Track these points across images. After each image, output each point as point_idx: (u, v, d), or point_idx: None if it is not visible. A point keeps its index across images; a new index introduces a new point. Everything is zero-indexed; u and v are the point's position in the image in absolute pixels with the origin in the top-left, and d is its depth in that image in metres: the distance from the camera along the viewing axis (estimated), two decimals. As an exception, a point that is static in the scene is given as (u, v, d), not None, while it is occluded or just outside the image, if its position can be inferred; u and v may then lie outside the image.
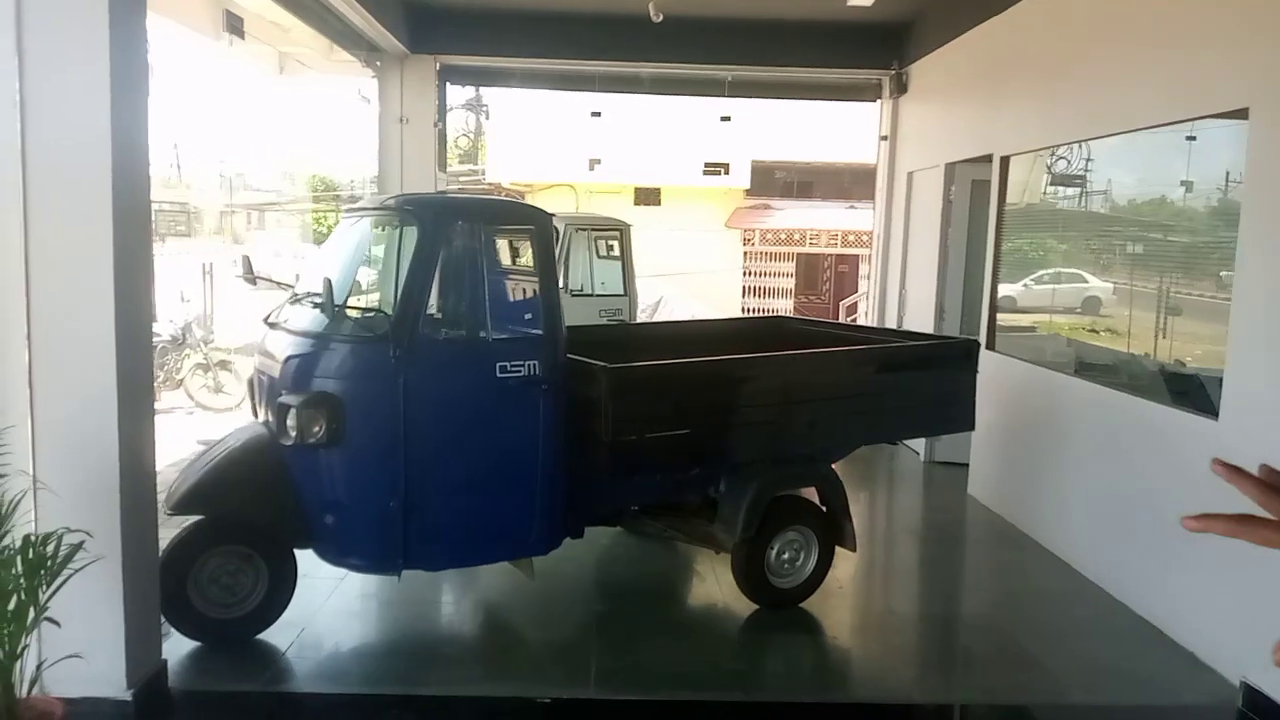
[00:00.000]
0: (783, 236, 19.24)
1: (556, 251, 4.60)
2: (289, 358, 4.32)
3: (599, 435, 4.48)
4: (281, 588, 4.44)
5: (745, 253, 18.95)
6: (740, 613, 5.10)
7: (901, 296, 9.75)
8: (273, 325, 4.74)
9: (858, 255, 19.59)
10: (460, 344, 4.44)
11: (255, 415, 4.85)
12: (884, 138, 10.12)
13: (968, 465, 7.51)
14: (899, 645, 4.85)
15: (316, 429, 4.14)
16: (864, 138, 19.22)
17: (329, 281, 3.92)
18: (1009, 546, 6.39)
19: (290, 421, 4.18)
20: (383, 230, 4.81)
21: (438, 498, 4.33)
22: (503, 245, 5.07)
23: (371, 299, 4.96)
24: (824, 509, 5.23)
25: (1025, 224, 7.34)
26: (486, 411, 4.39)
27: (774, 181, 21.10)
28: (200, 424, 8.96)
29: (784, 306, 19.70)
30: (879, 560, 6.19)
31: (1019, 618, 5.16)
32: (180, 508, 4.27)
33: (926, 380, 5.49)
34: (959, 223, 8.55)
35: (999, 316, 7.38)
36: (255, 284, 5.01)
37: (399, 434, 4.20)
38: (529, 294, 4.68)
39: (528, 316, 4.60)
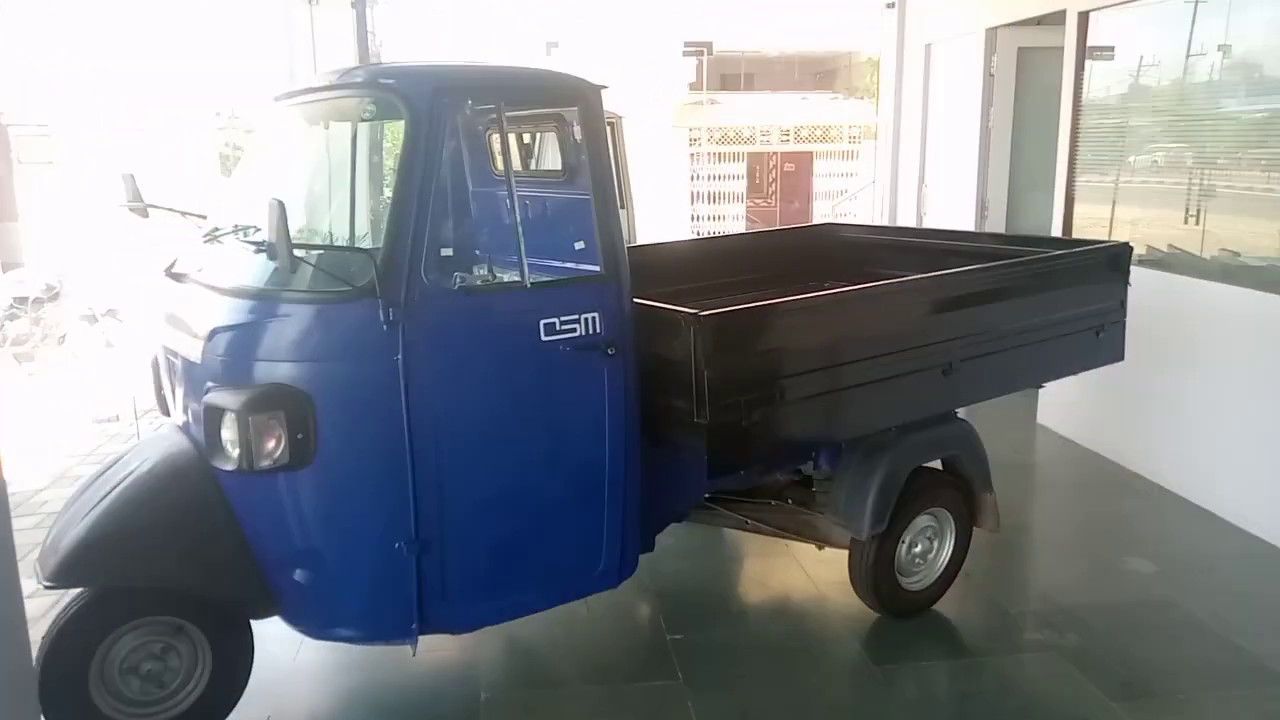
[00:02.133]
0: (731, 135, 17.66)
1: (607, 146, 3.05)
2: (215, 330, 2.74)
3: (688, 416, 3.05)
4: (232, 666, 2.96)
5: (692, 154, 17.35)
6: (859, 623, 3.82)
7: (921, 193, 8.42)
8: (179, 277, 3.13)
9: (811, 152, 18.18)
10: (485, 294, 2.90)
11: (164, 412, 3.26)
12: (890, 4, 8.62)
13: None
14: (1086, 654, 3.62)
15: (271, 445, 2.61)
16: (816, 22, 17.67)
17: (279, 205, 2.33)
18: (1125, 492, 5.24)
19: (228, 436, 2.63)
20: (348, 124, 3.17)
21: (465, 528, 2.88)
22: (536, 138, 3.48)
23: (338, 233, 3.34)
24: (959, 481, 3.94)
25: (1120, 100, 5.99)
26: (529, 393, 2.91)
27: (713, 74, 19.39)
28: (89, 393, 7.18)
29: (734, 213, 18.25)
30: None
31: (1209, 597, 4.00)
32: (60, 578, 2.72)
33: (1073, 300, 4.17)
34: (1003, 101, 7.20)
35: (1078, 210, 6.10)
36: (146, 214, 3.33)
37: (401, 439, 2.71)
38: (577, 211, 3.15)
39: (579, 246, 3.08)
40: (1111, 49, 5.91)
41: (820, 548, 3.95)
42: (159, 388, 3.22)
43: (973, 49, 7.29)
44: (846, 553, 3.78)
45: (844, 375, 3.38)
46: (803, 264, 5.50)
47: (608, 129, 3.04)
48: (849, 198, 14.96)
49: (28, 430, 6.26)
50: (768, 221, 18.58)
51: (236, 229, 2.95)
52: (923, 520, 3.84)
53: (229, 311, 2.75)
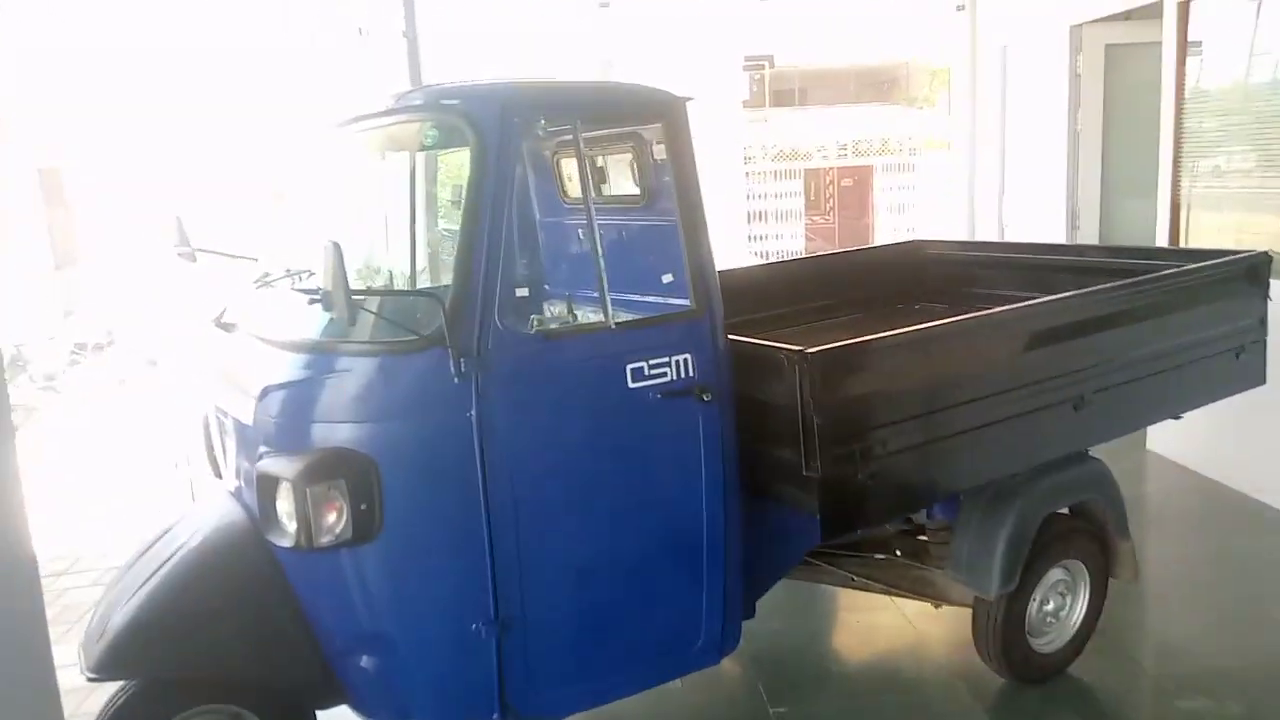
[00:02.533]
0: (787, 151, 17.24)
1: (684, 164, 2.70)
2: (268, 388, 2.45)
3: (794, 469, 2.68)
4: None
5: (746, 172, 16.95)
6: (984, 690, 3.40)
7: (1001, 204, 7.96)
8: (229, 328, 2.85)
9: (870, 166, 17.68)
10: (565, 338, 2.56)
11: (216, 474, 2.98)
12: (961, 7, 8.21)
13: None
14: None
15: (332, 518, 2.30)
16: (873, 32, 17.21)
17: (335, 248, 2.02)
18: (1257, 525, 4.74)
19: (283, 508, 2.33)
20: (409, 151, 2.88)
21: (549, 604, 2.54)
22: (616, 159, 3.16)
23: (399, 275, 3.04)
24: (1094, 527, 3.50)
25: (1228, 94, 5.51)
26: (616, 448, 2.58)
27: (765, 89, 19.02)
28: (150, 437, 7.03)
29: (792, 231, 17.80)
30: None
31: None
32: (105, 669, 2.43)
33: (1211, 318, 3.72)
34: (1091, 102, 6.74)
35: (1191, 217, 5.61)
36: (194, 259, 3.06)
37: (476, 506, 2.38)
38: (659, 239, 2.81)
39: (666, 279, 2.74)
40: (1199, 44, 5.46)
41: (937, 606, 3.54)
42: (210, 448, 2.94)
43: (1055, 49, 6.84)
44: (966, 610, 3.37)
45: (970, 414, 2.98)
46: (890, 286, 5.10)
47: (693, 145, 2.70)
48: (905, 210, 14.41)
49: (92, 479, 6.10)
50: (827, 240, 18.10)
51: (289, 273, 2.67)
52: (1055, 574, 3.40)
53: (282, 366, 2.46)
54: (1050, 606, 3.43)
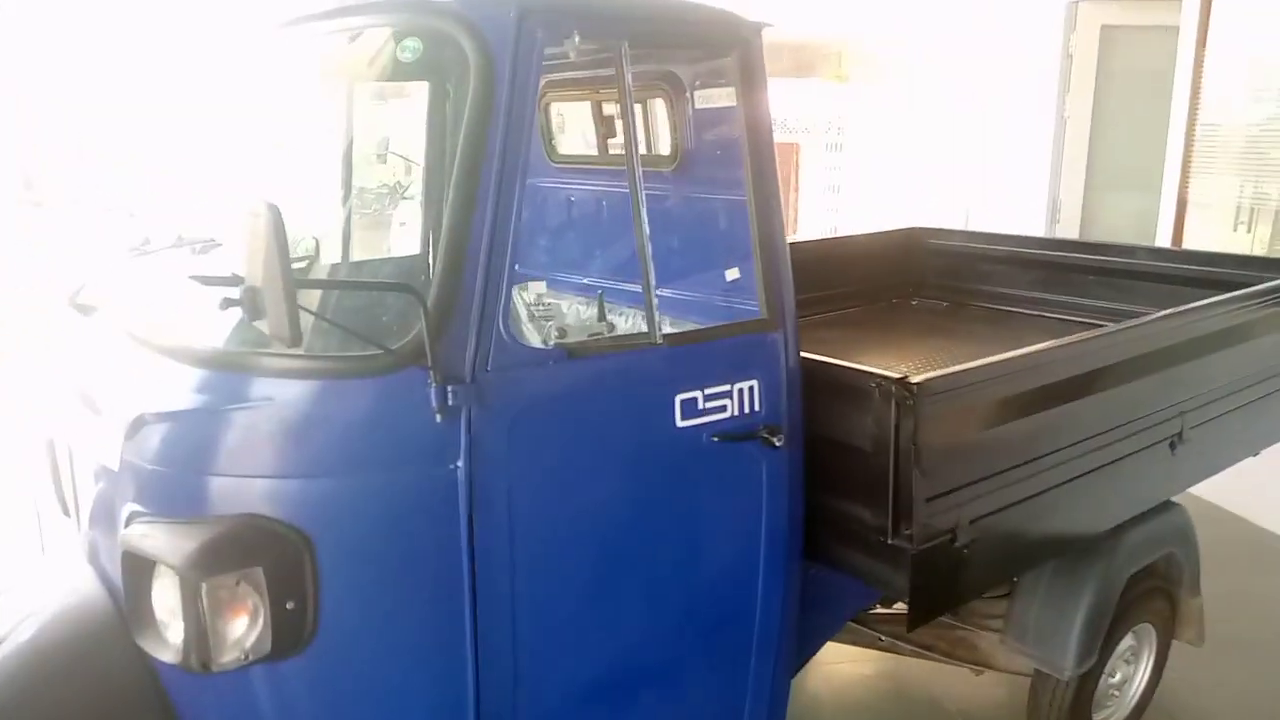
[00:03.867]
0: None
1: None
2: (144, 419, 1.60)
3: (876, 534, 2.00)
4: None
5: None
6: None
7: (966, 192, 7.44)
8: (86, 311, 1.99)
9: (795, 144, 17.14)
10: (597, 357, 1.78)
11: (66, 513, 2.12)
12: (937, -23, 7.61)
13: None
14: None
15: (243, 626, 1.50)
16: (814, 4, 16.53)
17: (272, 216, 1.22)
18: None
19: (166, 606, 1.52)
20: (380, 72, 2.00)
21: (568, 716, 1.79)
22: (664, 103, 2.35)
23: (359, 258, 2.17)
24: (1168, 585, 2.95)
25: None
26: (656, 514, 1.83)
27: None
28: None
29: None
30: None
31: None
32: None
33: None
34: (1082, 87, 6.24)
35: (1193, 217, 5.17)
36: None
37: (460, 604, 1.62)
38: (704, 216, 2.06)
39: (731, 278, 1.99)
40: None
41: (978, 673, 2.94)
42: (58, 482, 2.08)
43: (1046, 28, 6.31)
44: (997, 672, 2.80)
45: (1081, 456, 2.36)
46: (882, 279, 4.49)
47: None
48: (839, 190, 13.88)
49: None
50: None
51: (182, 242, 1.82)
52: (1127, 640, 2.84)
53: (167, 384, 1.62)
54: (1116, 678, 2.87)
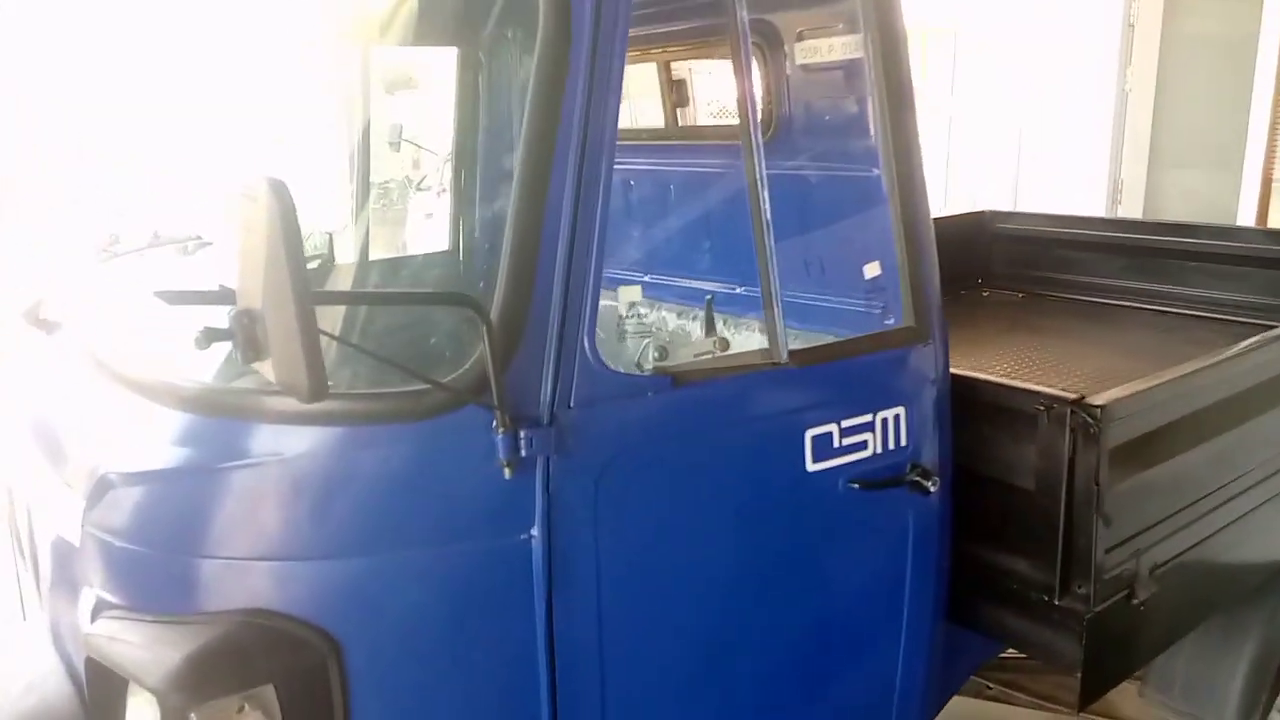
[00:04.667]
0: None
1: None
2: (110, 479, 1.19)
3: (1040, 591, 1.60)
4: None
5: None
6: None
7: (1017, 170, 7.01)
8: (47, 327, 1.58)
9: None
10: (708, 384, 1.33)
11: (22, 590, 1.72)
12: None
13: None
14: None
15: (247, 767, 1.08)
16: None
17: (279, 195, 0.81)
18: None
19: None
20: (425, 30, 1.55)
21: None
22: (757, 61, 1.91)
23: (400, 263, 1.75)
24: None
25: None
26: (779, 586, 1.41)
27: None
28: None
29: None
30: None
31: None
32: None
33: None
34: (1145, 58, 5.80)
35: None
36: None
37: (535, 713, 1.21)
38: (838, 200, 1.64)
39: (871, 272, 1.57)
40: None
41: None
42: (18, 540, 1.68)
43: (1103, -6, 5.87)
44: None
45: (1262, 484, 1.95)
46: (950, 268, 4.03)
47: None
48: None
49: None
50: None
51: (159, 240, 1.41)
52: (1282, 696, 2.43)
53: (144, 430, 1.21)
54: (1267, 736, 2.46)
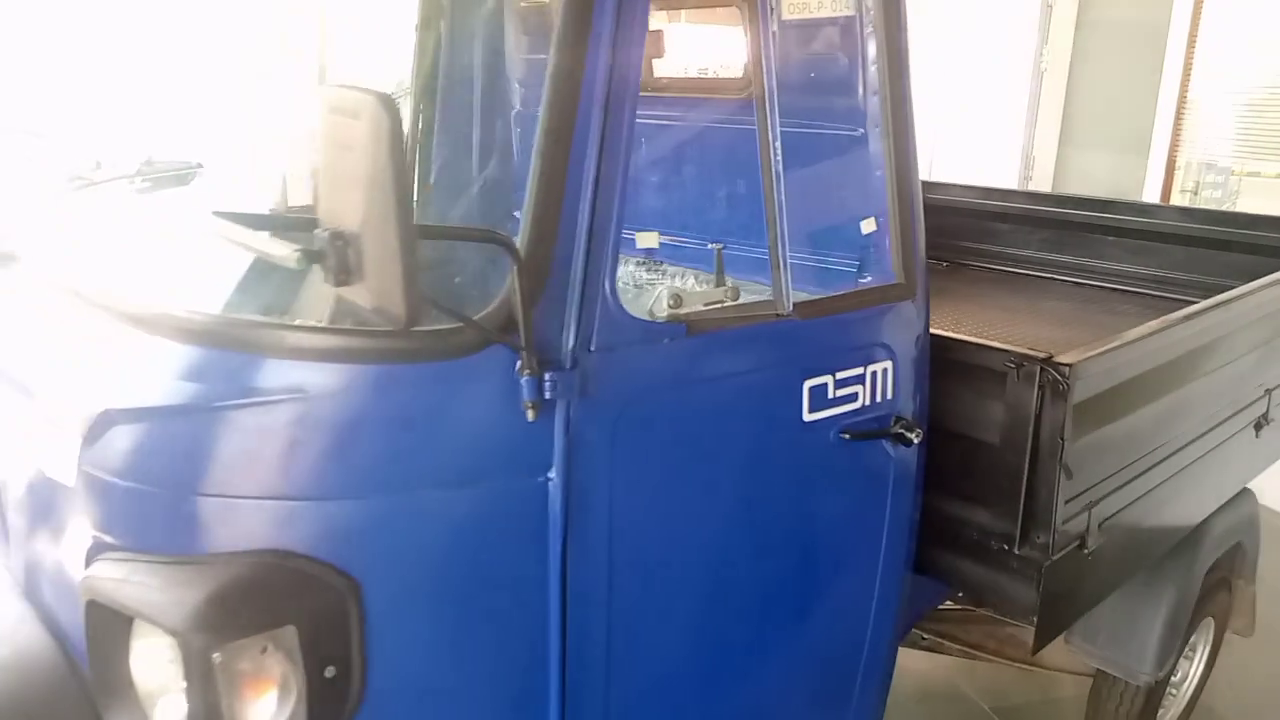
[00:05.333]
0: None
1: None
2: (112, 415, 1.14)
3: (1001, 541, 1.69)
4: None
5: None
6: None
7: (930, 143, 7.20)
8: (3, 260, 1.50)
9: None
10: (719, 332, 1.34)
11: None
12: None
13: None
14: None
15: (269, 708, 1.08)
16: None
17: (390, 112, 0.78)
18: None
19: (156, 682, 1.09)
20: None
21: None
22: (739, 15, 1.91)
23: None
24: (1230, 574, 2.73)
25: None
26: (772, 532, 1.46)
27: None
28: None
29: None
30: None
31: None
32: None
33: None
34: (1060, 38, 6.01)
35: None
36: None
37: (544, 653, 1.23)
38: (854, 164, 1.67)
39: (867, 227, 1.61)
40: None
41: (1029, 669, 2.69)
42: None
43: (1025, -28, 6.05)
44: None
45: (1198, 441, 2.10)
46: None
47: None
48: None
49: None
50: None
51: (151, 168, 1.34)
52: (1192, 638, 2.62)
53: (147, 366, 1.17)
54: (1177, 676, 2.66)
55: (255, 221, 0.94)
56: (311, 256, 0.90)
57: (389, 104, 0.83)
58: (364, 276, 0.88)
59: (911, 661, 3.05)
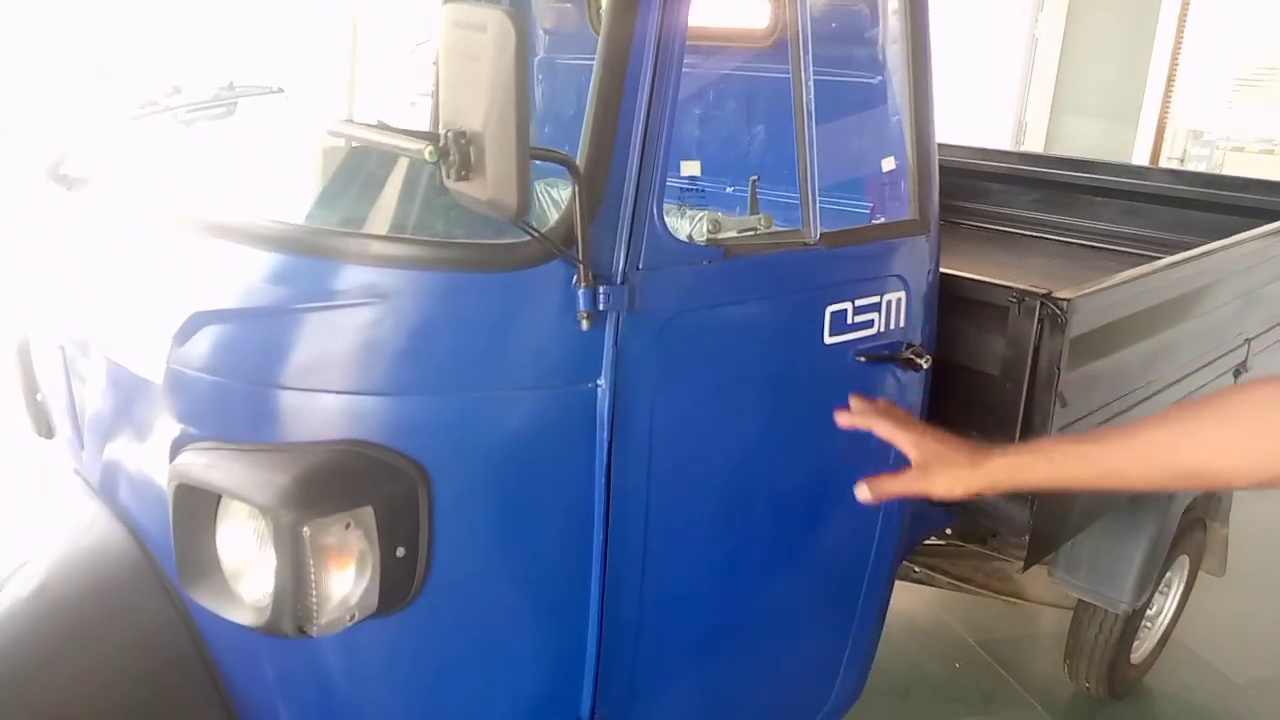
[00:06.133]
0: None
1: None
2: (201, 318, 1.25)
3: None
4: None
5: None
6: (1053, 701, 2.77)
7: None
8: (73, 184, 1.59)
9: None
10: (752, 257, 1.46)
11: (42, 433, 1.76)
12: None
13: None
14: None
15: (348, 581, 1.20)
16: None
17: (517, 27, 0.89)
18: None
19: (244, 559, 1.20)
20: None
21: (667, 683, 1.56)
22: None
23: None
24: (1204, 513, 2.89)
25: None
26: (791, 446, 1.59)
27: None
28: None
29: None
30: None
31: None
32: None
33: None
34: (1055, 7, 6.10)
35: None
36: None
37: (588, 546, 1.36)
38: (876, 108, 1.78)
39: (888, 168, 1.72)
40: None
41: (1012, 602, 2.85)
42: (32, 397, 1.69)
43: (1022, -60, 6.12)
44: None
45: (1180, 383, 2.24)
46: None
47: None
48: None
49: None
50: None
51: (222, 96, 1.43)
52: (1167, 574, 2.78)
53: (231, 274, 1.27)
54: (1152, 610, 2.82)
55: (372, 131, 1.04)
56: (439, 152, 1.00)
57: (515, 18, 0.93)
58: (483, 171, 0.99)
59: (900, 599, 3.21)
